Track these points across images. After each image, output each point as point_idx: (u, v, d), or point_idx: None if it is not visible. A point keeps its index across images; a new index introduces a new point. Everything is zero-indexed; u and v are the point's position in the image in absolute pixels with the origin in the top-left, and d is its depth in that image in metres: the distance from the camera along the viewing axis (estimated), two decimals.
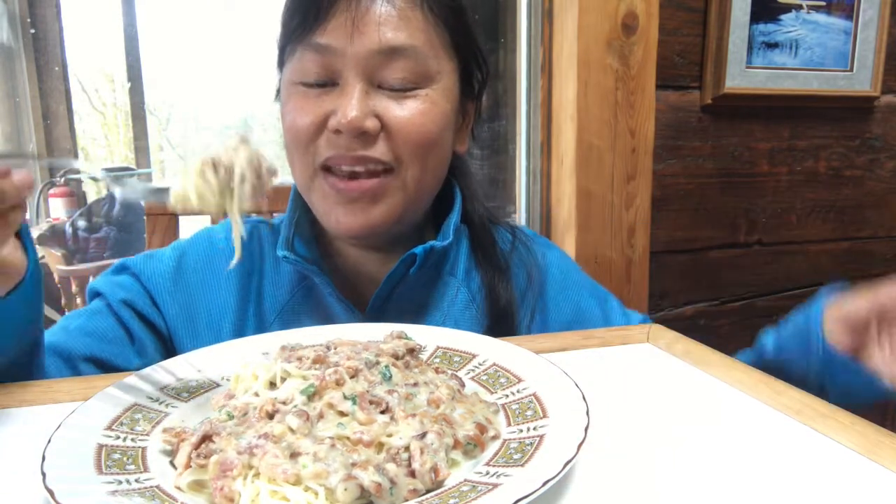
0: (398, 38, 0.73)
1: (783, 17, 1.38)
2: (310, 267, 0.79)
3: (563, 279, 0.90)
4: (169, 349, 0.83)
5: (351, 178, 0.75)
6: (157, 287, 0.83)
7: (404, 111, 0.74)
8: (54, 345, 0.75)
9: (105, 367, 0.77)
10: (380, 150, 0.74)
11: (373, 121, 0.73)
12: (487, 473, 0.42)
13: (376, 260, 0.84)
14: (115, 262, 0.88)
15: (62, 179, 2.85)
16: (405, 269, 0.79)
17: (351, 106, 0.71)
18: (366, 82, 0.73)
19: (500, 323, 0.83)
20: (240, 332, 0.81)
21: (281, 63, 0.81)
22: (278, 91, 0.84)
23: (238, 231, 0.59)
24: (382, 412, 0.47)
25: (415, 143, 0.75)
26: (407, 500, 0.40)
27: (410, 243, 0.81)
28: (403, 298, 0.81)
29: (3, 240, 0.57)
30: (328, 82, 0.75)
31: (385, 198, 0.76)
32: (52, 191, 2.91)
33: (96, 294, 0.83)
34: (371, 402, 0.47)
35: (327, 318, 0.80)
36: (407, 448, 0.44)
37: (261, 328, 0.82)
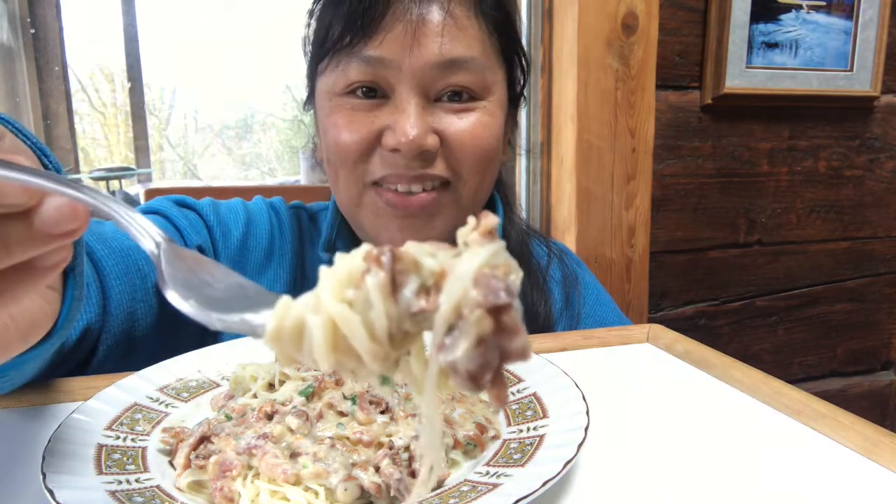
0: (457, 50, 0.68)
1: (783, 17, 1.38)
2: None
3: (595, 300, 0.88)
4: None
5: (406, 193, 0.71)
6: (225, 250, 0.78)
7: (464, 125, 0.70)
8: (129, 253, 0.67)
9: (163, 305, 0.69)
10: (439, 167, 0.70)
11: (433, 138, 0.69)
12: (487, 473, 0.42)
13: None
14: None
15: None
16: None
17: (410, 123, 0.66)
18: (422, 96, 0.69)
19: None
20: None
21: (313, 72, 0.75)
22: (307, 99, 0.79)
23: (433, 458, 0.29)
24: (382, 412, 0.47)
25: (475, 158, 0.71)
26: (407, 501, 0.40)
27: None
28: None
29: (10, 300, 0.32)
30: (377, 95, 0.70)
31: (442, 213, 0.73)
32: None
33: (153, 212, 0.76)
34: (371, 402, 0.47)
35: None
36: (407, 448, 0.44)
37: None
